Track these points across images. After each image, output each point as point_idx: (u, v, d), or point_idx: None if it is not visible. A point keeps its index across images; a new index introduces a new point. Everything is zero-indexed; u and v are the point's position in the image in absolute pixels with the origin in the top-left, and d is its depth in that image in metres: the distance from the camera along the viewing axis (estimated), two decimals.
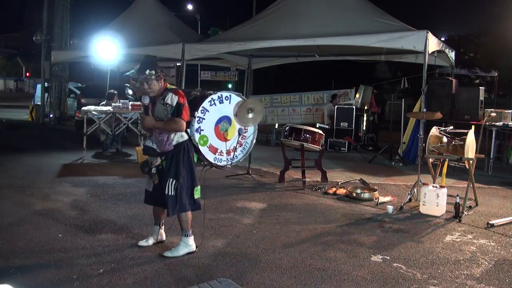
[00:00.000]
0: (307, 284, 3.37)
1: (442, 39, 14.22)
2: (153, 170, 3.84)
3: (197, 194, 3.96)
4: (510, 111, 8.58)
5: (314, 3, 8.79)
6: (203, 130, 4.11)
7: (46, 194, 5.78)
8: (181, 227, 3.94)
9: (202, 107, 4.10)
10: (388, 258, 3.93)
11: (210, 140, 4.18)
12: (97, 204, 5.36)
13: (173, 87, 3.90)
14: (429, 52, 7.59)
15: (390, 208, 5.45)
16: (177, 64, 14.58)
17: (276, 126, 11.94)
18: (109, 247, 3.98)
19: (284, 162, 6.97)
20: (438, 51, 8.66)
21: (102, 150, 9.10)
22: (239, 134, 4.38)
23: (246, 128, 4.43)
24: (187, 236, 3.92)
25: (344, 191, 6.26)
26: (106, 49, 9.82)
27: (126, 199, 5.61)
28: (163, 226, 4.19)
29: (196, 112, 3.99)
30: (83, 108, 9.09)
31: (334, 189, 6.38)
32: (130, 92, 14.87)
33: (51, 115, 15.57)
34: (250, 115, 4.35)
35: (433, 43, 7.79)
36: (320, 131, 6.97)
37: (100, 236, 4.25)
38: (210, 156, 4.19)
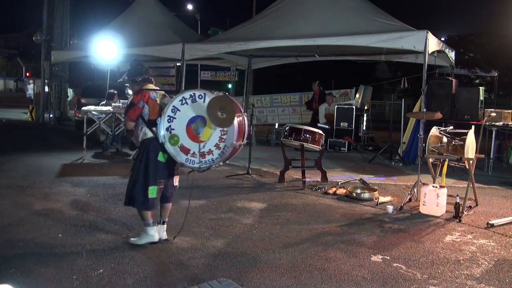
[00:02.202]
0: (307, 284, 3.36)
1: (442, 39, 14.21)
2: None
3: (151, 194, 3.97)
4: (510, 111, 8.58)
5: (314, 3, 8.80)
6: (173, 129, 4.01)
7: (46, 194, 5.78)
8: (141, 218, 4.10)
9: (173, 106, 4.02)
10: (388, 258, 3.93)
11: (181, 140, 4.01)
12: (97, 204, 5.36)
13: (145, 88, 4.07)
14: (429, 52, 7.60)
15: (390, 208, 5.45)
16: (177, 64, 14.59)
17: (276, 126, 11.95)
18: (109, 247, 3.98)
19: (284, 162, 6.97)
20: (438, 51, 8.67)
21: (102, 150, 9.10)
22: (219, 137, 4.01)
23: (225, 130, 3.97)
24: (147, 226, 4.05)
25: (344, 191, 6.26)
26: (106, 49, 9.81)
27: None
28: (164, 224, 4.23)
29: (164, 111, 3.98)
30: (83, 108, 9.09)
31: (334, 189, 6.38)
32: (130, 92, 14.87)
33: (51, 115, 15.58)
34: (222, 115, 3.93)
35: (433, 43, 7.80)
36: (320, 131, 6.97)
37: (100, 236, 4.25)
38: (181, 157, 4.03)
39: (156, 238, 4.07)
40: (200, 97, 4.03)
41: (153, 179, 3.96)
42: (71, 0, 16.32)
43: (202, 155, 4.01)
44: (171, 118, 4.01)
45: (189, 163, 4.04)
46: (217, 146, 4.00)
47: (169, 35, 10.36)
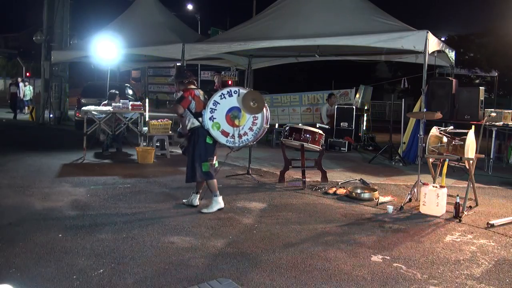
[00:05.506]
0: (307, 284, 3.36)
1: (442, 39, 14.21)
2: (182, 149, 5.36)
3: (204, 168, 5.13)
4: (510, 111, 8.58)
5: (314, 3, 8.79)
6: (215, 118, 5.22)
7: (46, 194, 5.78)
8: (210, 190, 5.24)
9: (214, 100, 5.23)
10: (388, 258, 3.93)
11: (222, 126, 5.25)
12: (97, 204, 5.36)
13: (191, 87, 5.23)
14: (429, 52, 7.59)
15: (390, 208, 5.45)
16: (177, 64, 14.59)
17: (276, 126, 11.94)
18: (109, 247, 3.98)
19: (284, 162, 6.97)
20: (438, 51, 8.66)
21: (102, 150, 9.11)
22: (252, 122, 5.35)
23: (257, 116, 5.36)
24: (216, 196, 5.21)
25: (344, 191, 6.26)
26: (106, 49, 9.82)
27: (126, 199, 5.61)
28: (198, 194, 5.39)
29: (207, 104, 5.19)
30: (83, 108, 9.09)
31: (334, 189, 6.38)
32: (130, 92, 14.87)
33: (51, 115, 15.57)
34: (253, 104, 5.24)
35: (433, 43, 7.79)
36: (320, 131, 6.96)
37: (100, 236, 4.25)
38: (222, 139, 5.27)
39: (223, 204, 5.24)
40: (235, 92, 5.31)
41: (204, 157, 5.14)
42: (71, 0, 16.32)
43: (240, 136, 5.33)
44: (213, 110, 5.22)
45: (229, 143, 5.34)
46: (250, 129, 5.38)
47: (169, 35, 10.36)
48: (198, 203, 5.37)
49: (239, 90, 5.32)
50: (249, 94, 5.26)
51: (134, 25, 11.00)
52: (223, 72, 15.67)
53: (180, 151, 9.46)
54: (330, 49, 9.65)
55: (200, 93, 5.27)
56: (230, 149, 5.54)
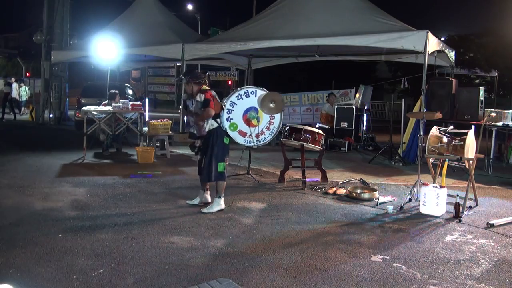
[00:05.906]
0: (307, 284, 3.36)
1: (442, 39, 14.21)
2: (197, 149, 5.30)
3: (220, 168, 5.09)
4: (510, 111, 8.57)
5: (314, 3, 8.81)
6: (232, 118, 5.37)
7: (46, 194, 5.78)
8: (216, 191, 5.20)
9: (231, 101, 5.38)
10: (388, 258, 3.93)
11: (239, 126, 5.42)
12: (97, 204, 5.36)
13: (207, 88, 5.12)
14: (429, 52, 7.60)
15: (390, 208, 5.45)
16: (177, 64, 14.59)
17: None
18: (109, 247, 3.98)
19: (284, 162, 6.97)
20: (438, 51, 8.67)
21: (102, 150, 9.10)
22: (269, 121, 5.49)
23: (273, 116, 5.50)
24: (219, 198, 5.18)
25: (344, 191, 6.25)
26: (106, 49, 9.82)
27: (126, 199, 5.61)
28: (208, 191, 5.38)
29: (225, 105, 5.20)
30: (83, 108, 9.08)
31: (334, 189, 6.38)
32: (130, 92, 14.88)
33: (51, 115, 15.57)
34: (272, 105, 5.33)
35: (433, 43, 7.80)
36: (320, 131, 6.97)
37: (100, 236, 4.24)
38: (240, 139, 5.45)
39: (224, 206, 5.19)
40: (252, 92, 5.46)
41: (221, 157, 5.13)
42: (71, 0, 16.32)
43: (257, 135, 5.48)
44: (230, 111, 5.31)
45: (246, 143, 5.52)
46: (267, 128, 5.60)
47: (169, 35, 10.37)
48: (210, 198, 5.39)
49: (256, 90, 5.44)
50: (269, 95, 5.33)
51: (134, 25, 11.01)
52: (208, 73, 15.68)
53: (179, 152, 9.47)
54: (330, 49, 9.66)
55: (215, 93, 5.22)
56: (244, 148, 5.68)
